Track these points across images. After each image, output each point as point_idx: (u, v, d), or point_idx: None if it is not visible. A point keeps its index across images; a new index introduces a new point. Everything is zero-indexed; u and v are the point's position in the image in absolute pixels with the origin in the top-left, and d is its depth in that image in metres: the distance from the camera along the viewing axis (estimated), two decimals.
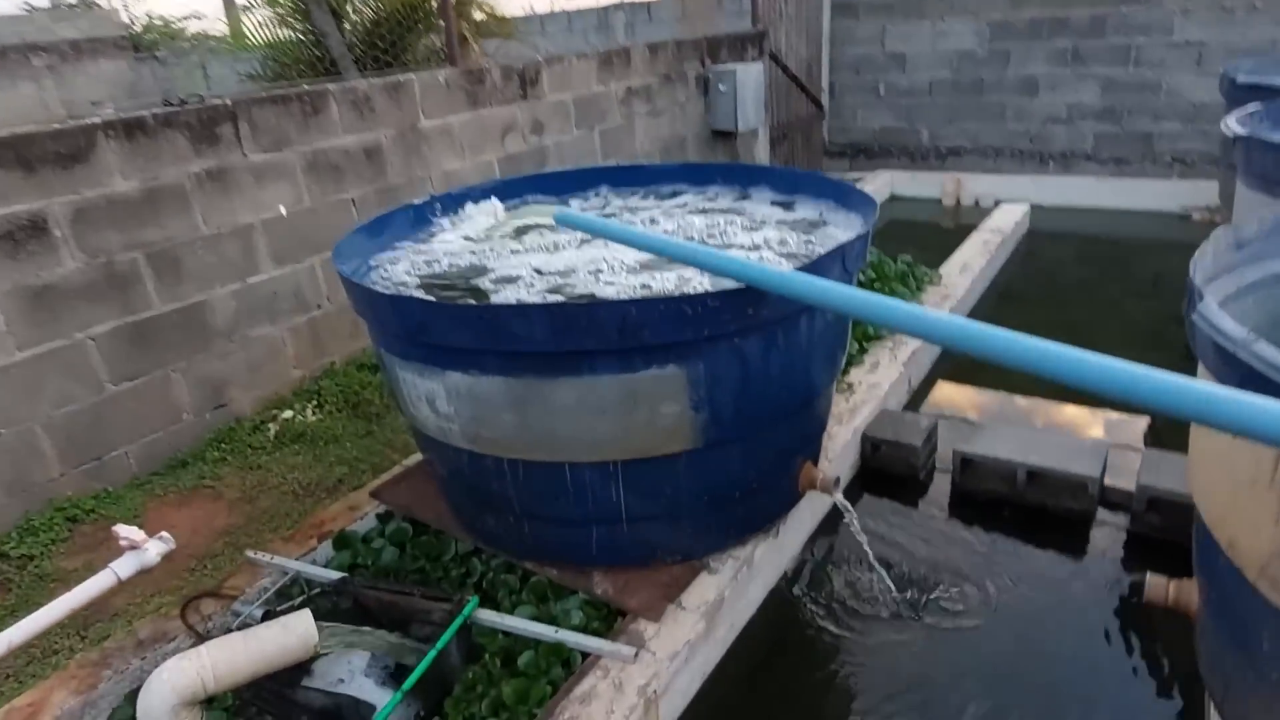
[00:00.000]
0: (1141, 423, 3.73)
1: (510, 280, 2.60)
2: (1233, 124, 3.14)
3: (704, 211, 3.18)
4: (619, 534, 2.49)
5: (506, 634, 2.43)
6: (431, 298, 2.34)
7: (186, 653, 2.03)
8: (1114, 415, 3.80)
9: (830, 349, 2.57)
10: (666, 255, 2.35)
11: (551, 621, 2.51)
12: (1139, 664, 2.47)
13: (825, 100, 8.90)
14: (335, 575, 2.68)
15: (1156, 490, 2.86)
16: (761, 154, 7.90)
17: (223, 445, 3.75)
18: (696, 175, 3.55)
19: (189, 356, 3.63)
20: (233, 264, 3.73)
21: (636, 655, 2.25)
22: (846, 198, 2.94)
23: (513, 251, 2.87)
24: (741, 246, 2.67)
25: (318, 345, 4.20)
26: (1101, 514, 3.08)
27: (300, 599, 2.53)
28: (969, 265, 5.14)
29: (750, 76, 6.90)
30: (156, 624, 2.60)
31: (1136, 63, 7.40)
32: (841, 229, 2.79)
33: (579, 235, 2.86)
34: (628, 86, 6.04)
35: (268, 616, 2.46)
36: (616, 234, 2.52)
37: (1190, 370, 1.54)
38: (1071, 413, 3.87)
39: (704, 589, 2.51)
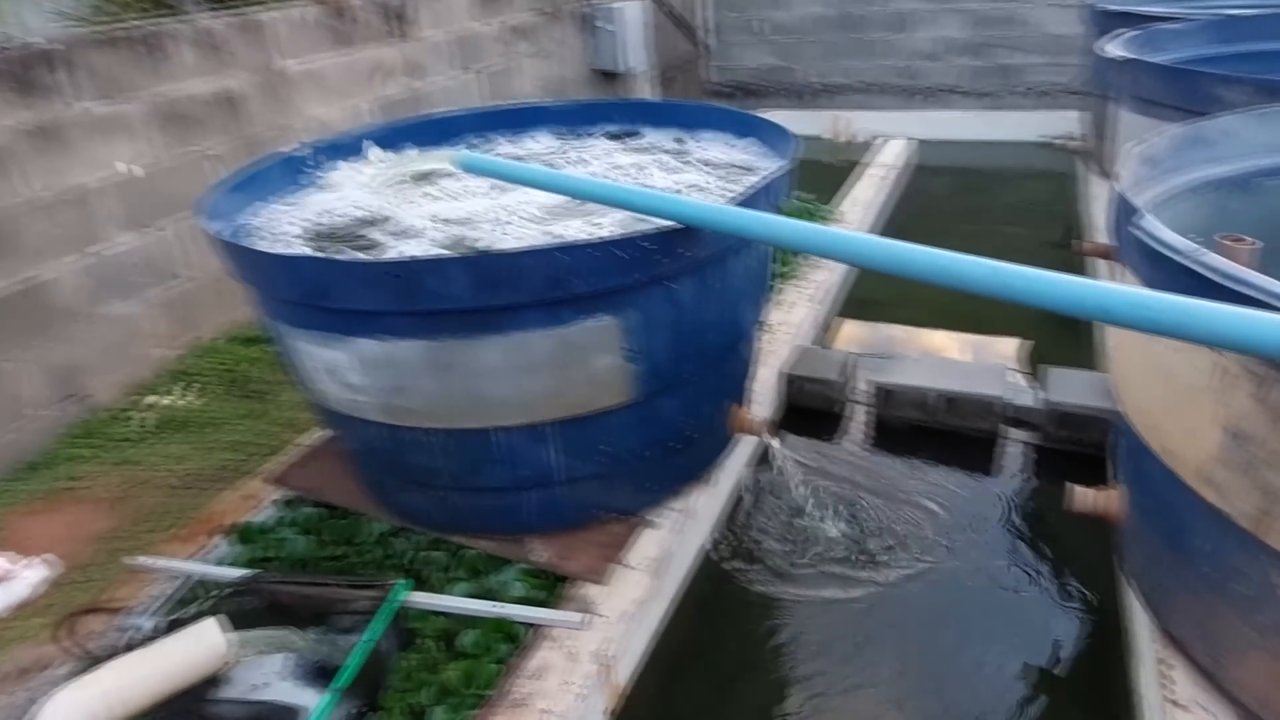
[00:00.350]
0: (1011, 343, 3.95)
1: (409, 233, 2.36)
2: (1114, 49, 3.25)
3: (622, 147, 3.01)
4: (555, 498, 2.36)
5: (443, 615, 2.27)
6: (330, 255, 2.08)
7: (81, 679, 1.76)
8: (983, 338, 4.01)
9: (756, 288, 2.50)
10: (587, 197, 2.18)
11: (489, 596, 2.36)
12: (1054, 569, 2.61)
13: (707, 39, 8.77)
14: (240, 572, 2.41)
15: (1064, 407, 3.01)
16: (647, 94, 7.71)
17: (83, 440, 3.31)
18: (611, 113, 3.35)
19: (29, 342, 3.15)
20: (72, 233, 3.24)
21: (586, 621, 2.15)
22: (766, 133, 2.84)
23: (409, 201, 2.60)
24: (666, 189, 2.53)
25: (184, 320, 3.76)
26: (1012, 432, 3.21)
27: (203, 603, 2.26)
28: (863, 201, 5.22)
29: (632, 14, 6.66)
30: (38, 649, 2.26)
31: None
32: (763, 164, 2.70)
33: (486, 181, 2.63)
34: (508, 25, 5.68)
35: (171, 628, 2.19)
36: (529, 177, 2.32)
37: None
38: (942, 339, 4.04)
39: (647, 545, 2.43)
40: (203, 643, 1.91)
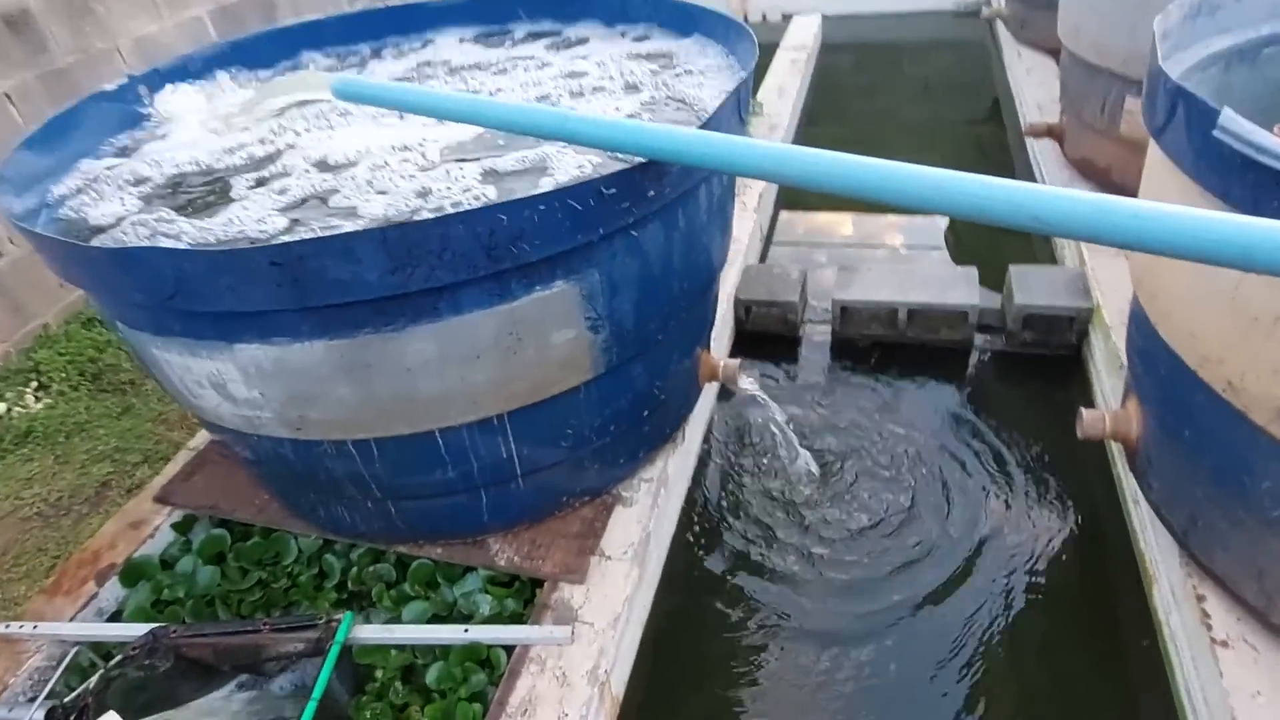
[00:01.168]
0: (941, 223, 3.83)
1: (272, 187, 1.84)
2: None
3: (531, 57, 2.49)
4: (514, 492, 2.01)
5: (401, 648, 1.93)
6: (187, 244, 1.56)
7: None
8: (916, 220, 3.88)
9: (724, 218, 2.13)
10: (506, 127, 1.70)
11: (453, 615, 2.03)
12: (1042, 484, 2.49)
13: None
14: (139, 630, 1.96)
15: (1031, 309, 2.83)
16: None
17: None
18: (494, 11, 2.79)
19: None
20: None
21: (573, 634, 1.86)
22: (709, 27, 2.39)
23: (271, 144, 2.05)
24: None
25: (14, 308, 3.08)
26: (977, 339, 3.04)
27: (94, 681, 1.83)
28: (785, 89, 4.82)
29: None
30: None
31: None
32: (709, 67, 2.27)
33: (372, 111, 2.10)
34: None
35: (59, 718, 1.76)
36: (426, 104, 1.81)
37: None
38: (882, 222, 3.92)
39: (625, 527, 2.13)
40: None
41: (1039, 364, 2.93)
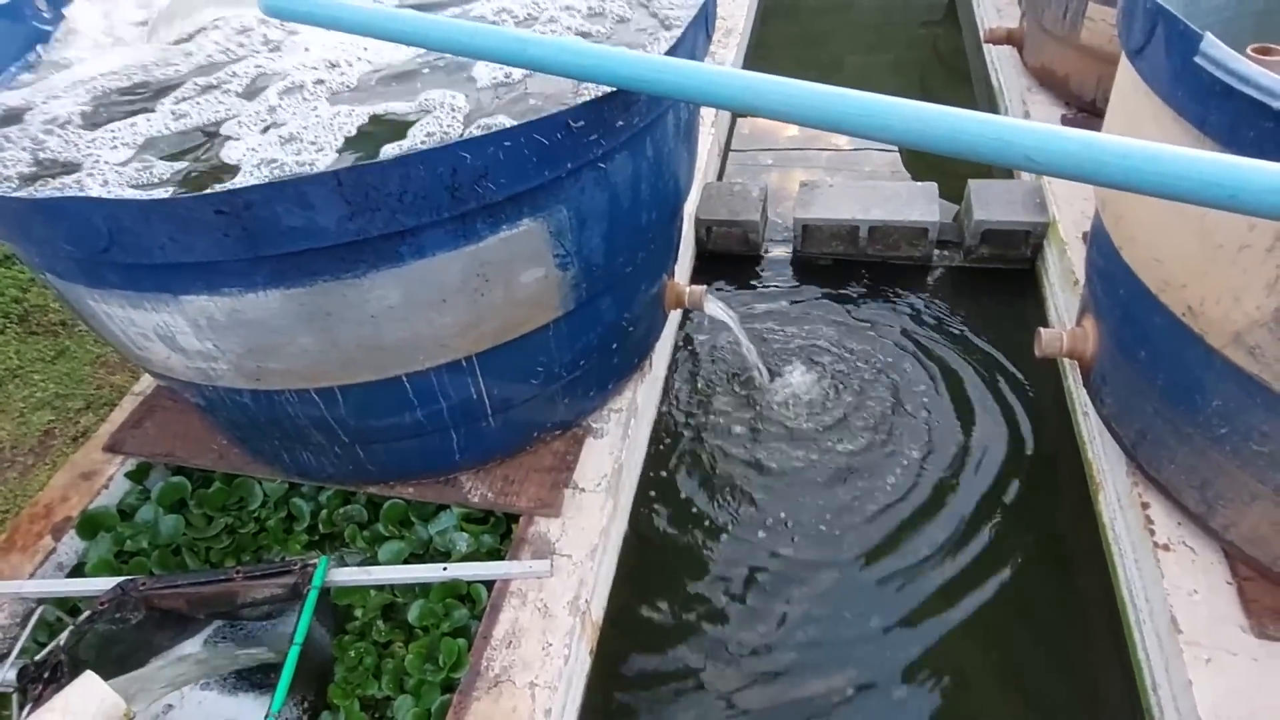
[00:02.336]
0: None
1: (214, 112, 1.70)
2: None
3: None
4: (484, 430, 1.99)
5: (380, 588, 1.93)
6: (124, 195, 1.43)
7: None
8: None
9: (692, 141, 2.06)
10: (456, 51, 1.58)
11: (430, 552, 2.04)
12: (999, 394, 2.58)
13: None
14: (105, 584, 1.92)
15: (989, 224, 2.86)
16: None
17: None
18: None
19: None
20: None
21: (552, 567, 1.89)
22: None
23: (189, 64, 1.88)
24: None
25: None
26: (935, 254, 3.06)
27: (65, 637, 1.80)
28: None
29: None
30: None
31: None
32: None
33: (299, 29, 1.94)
34: None
35: (29, 678, 1.73)
36: (364, 22, 1.66)
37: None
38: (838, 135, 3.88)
39: (598, 459, 2.14)
40: (86, 713, 1.49)
41: (995, 277, 2.98)
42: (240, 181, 1.52)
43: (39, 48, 2.06)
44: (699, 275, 3.13)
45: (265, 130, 1.67)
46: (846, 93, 1.18)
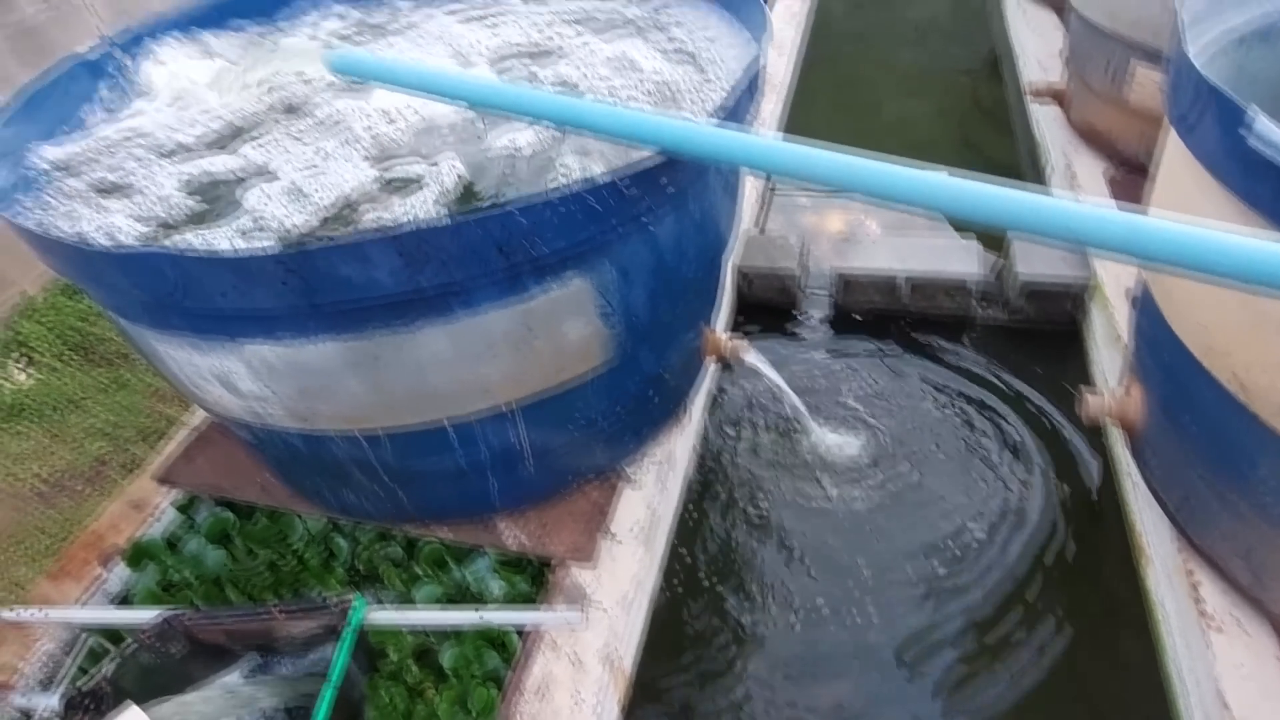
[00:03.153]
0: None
1: (266, 173, 1.78)
2: None
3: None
4: (522, 475, 2.01)
5: (414, 630, 1.95)
6: (197, 249, 1.51)
7: None
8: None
9: (735, 195, 2.10)
10: (515, 111, 1.64)
11: (464, 595, 2.06)
12: (1041, 457, 2.53)
13: None
14: (150, 613, 1.97)
15: (1036, 283, 2.84)
16: None
17: None
18: None
19: None
20: None
21: (585, 616, 1.89)
22: None
23: (274, 123, 1.98)
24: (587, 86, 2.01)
25: None
26: (979, 310, 3.05)
27: (109, 666, 1.84)
28: (782, 43, 4.69)
29: None
30: None
31: None
32: (709, 32, 2.19)
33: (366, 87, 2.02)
34: None
35: (75, 706, 1.78)
36: (428, 82, 1.74)
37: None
38: None
39: (632, 507, 2.15)
40: None
41: (1038, 333, 2.94)
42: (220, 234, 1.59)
43: (117, 97, 2.18)
44: (737, 324, 3.15)
45: (301, 172, 1.73)
46: (893, 166, 1.21)
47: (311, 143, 1.89)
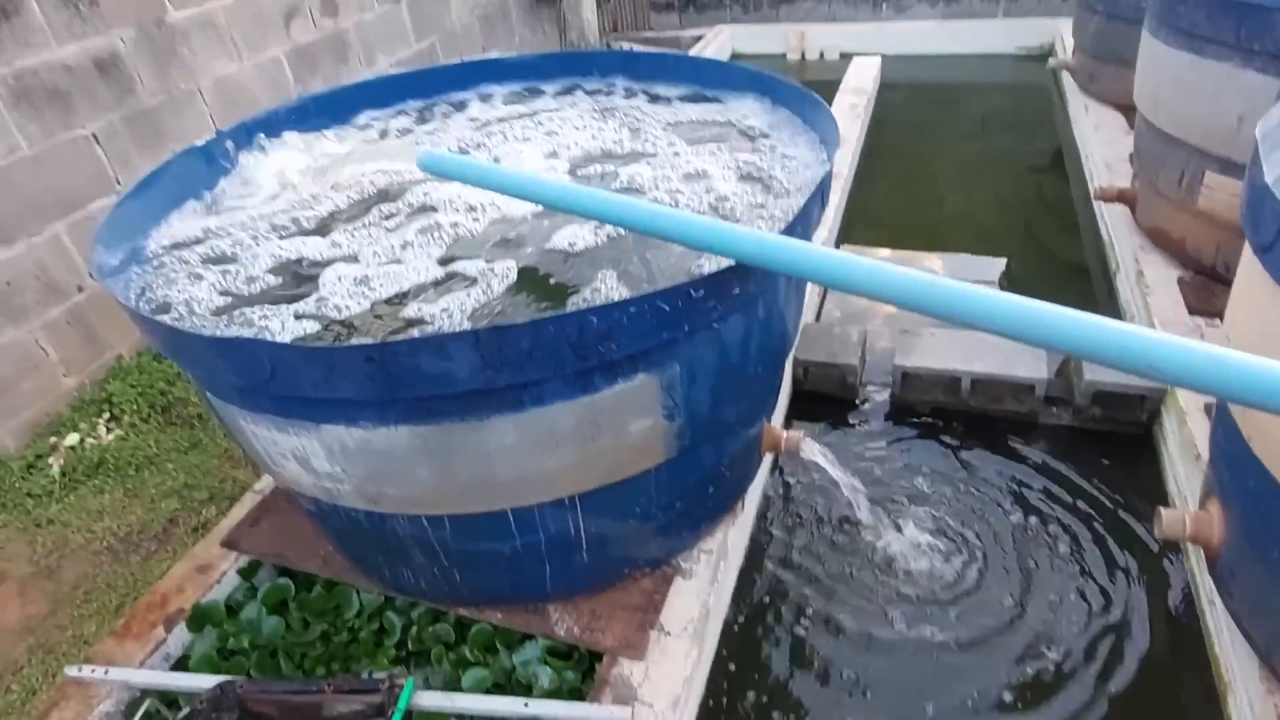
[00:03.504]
0: (999, 263, 3.91)
1: (354, 259, 1.89)
2: None
3: (602, 115, 2.52)
4: (577, 563, 2.02)
5: (461, 716, 1.94)
6: (285, 340, 1.60)
7: None
8: (973, 258, 3.97)
9: (801, 296, 2.13)
10: (592, 215, 1.72)
11: (511, 684, 2.04)
12: (1114, 567, 2.42)
13: None
14: (206, 681, 2.01)
15: (1104, 387, 2.77)
16: (589, 15, 6.99)
17: None
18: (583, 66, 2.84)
19: None
20: None
21: (633, 715, 1.85)
22: (776, 92, 2.40)
23: (361, 221, 2.10)
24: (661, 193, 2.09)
25: (91, 340, 3.19)
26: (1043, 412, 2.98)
27: None
28: (844, 137, 4.79)
29: None
30: None
31: None
32: (785, 140, 2.27)
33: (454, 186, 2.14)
34: None
35: None
36: (510, 184, 1.85)
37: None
38: (931, 260, 4.04)
39: (685, 602, 2.12)
40: None
41: (1107, 439, 2.86)
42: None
43: (222, 183, 2.35)
44: (794, 414, 3.14)
45: (379, 262, 1.83)
46: (961, 286, 1.23)
47: (398, 230, 2.00)
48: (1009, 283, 3.89)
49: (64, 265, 3.04)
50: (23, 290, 2.91)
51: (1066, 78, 5.43)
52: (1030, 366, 2.89)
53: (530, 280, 1.78)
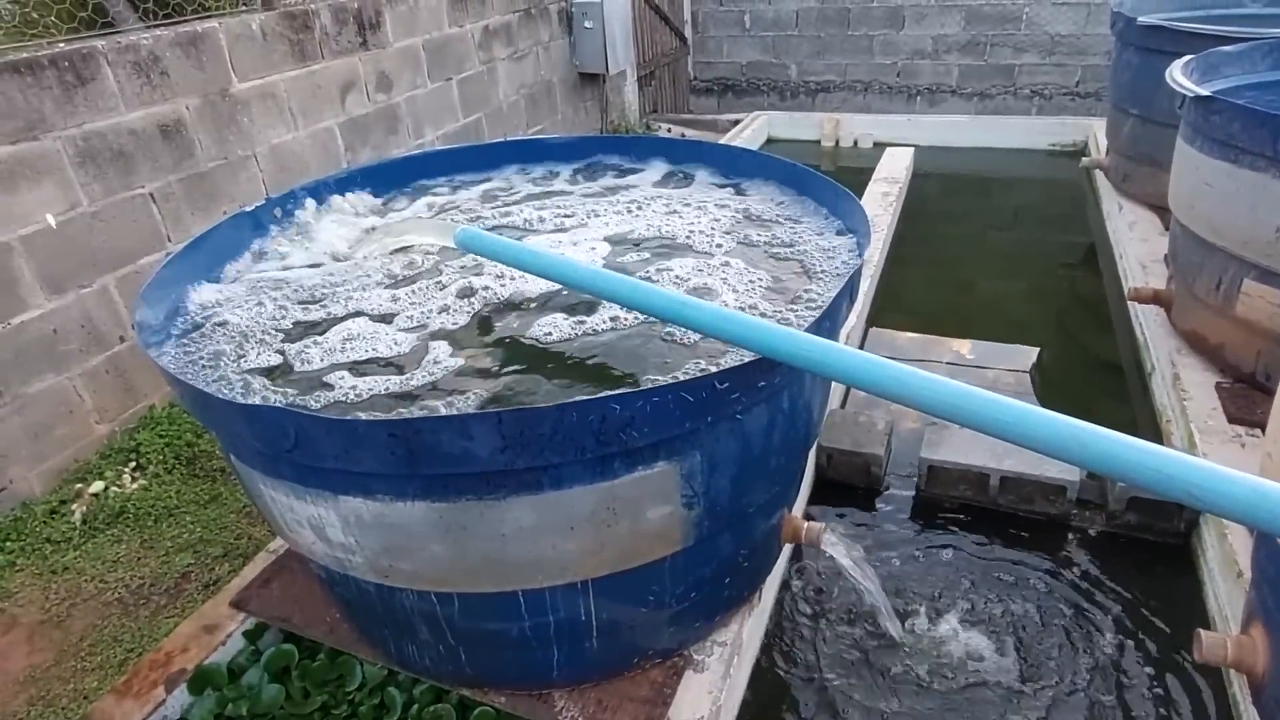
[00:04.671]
0: (1030, 352, 3.87)
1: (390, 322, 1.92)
2: (1186, 81, 2.92)
3: (636, 206, 2.57)
4: (587, 649, 1.96)
5: None
6: (310, 410, 1.63)
7: None
8: (1004, 346, 3.96)
9: (827, 389, 2.11)
10: (621, 302, 1.75)
11: None
12: (1137, 684, 2.30)
13: (689, 33, 8.30)
14: None
15: (1136, 490, 2.69)
16: (630, 96, 7.25)
17: (9, 542, 2.82)
18: (624, 148, 2.92)
19: None
20: None
21: None
22: (809, 185, 2.44)
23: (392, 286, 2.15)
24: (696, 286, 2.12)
25: (126, 389, 3.25)
26: (1076, 515, 2.89)
27: None
28: (876, 224, 4.85)
29: (617, 8, 6.17)
30: None
31: None
32: (811, 229, 2.30)
33: (484, 263, 2.19)
34: (485, 26, 5.16)
35: None
36: (543, 267, 1.89)
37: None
38: (959, 347, 4.10)
39: (696, 697, 2.04)
40: None
41: (1142, 547, 2.75)
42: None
43: (267, 246, 2.43)
44: (815, 502, 3.08)
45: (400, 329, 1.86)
46: (993, 397, 1.21)
47: (433, 299, 2.04)
48: (1040, 374, 3.84)
49: (109, 316, 3.13)
50: (68, 338, 3.00)
51: (1099, 175, 5.47)
52: (1062, 467, 2.82)
53: (556, 360, 1.80)
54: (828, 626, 2.56)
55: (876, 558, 2.79)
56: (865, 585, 2.34)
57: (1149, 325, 3.63)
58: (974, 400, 1.22)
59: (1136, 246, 4.27)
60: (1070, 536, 2.84)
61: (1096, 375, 4.00)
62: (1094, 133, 6.40)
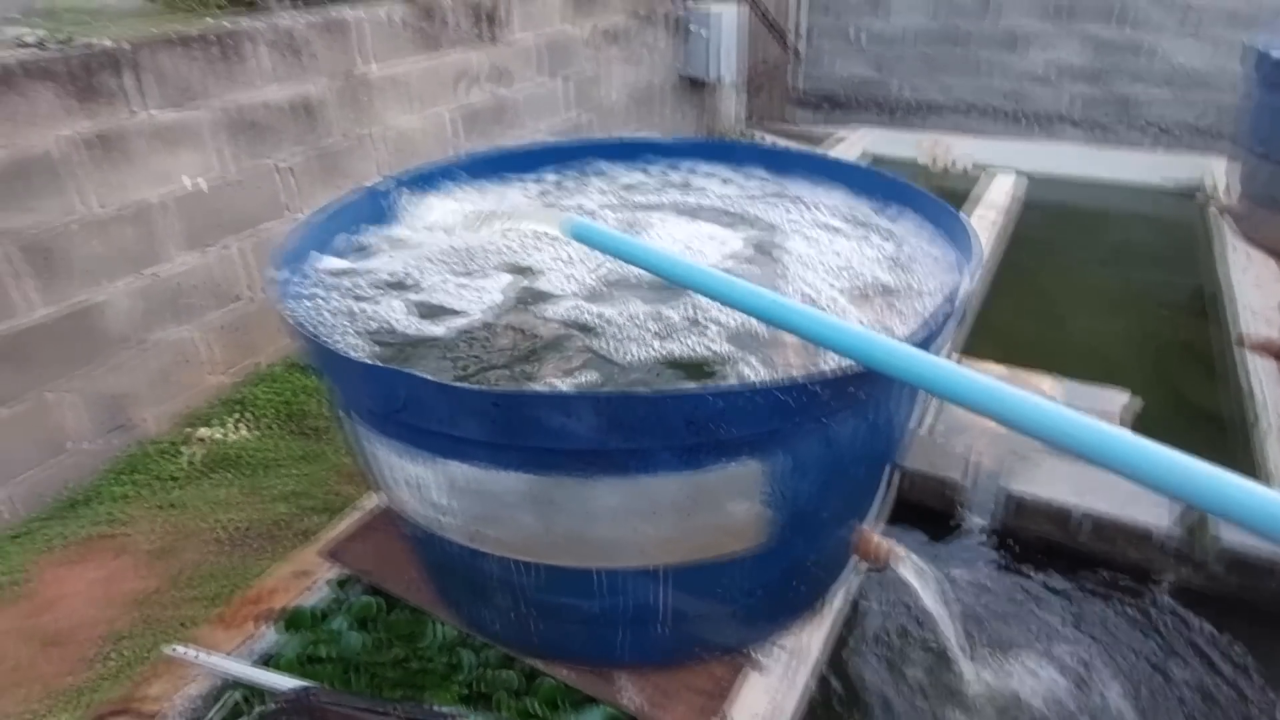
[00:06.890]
0: (1120, 397, 3.64)
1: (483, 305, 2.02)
2: None
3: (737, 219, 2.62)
4: (654, 634, 2.02)
5: None
6: (426, 375, 1.74)
7: None
8: (1089, 387, 3.72)
9: (916, 400, 2.11)
10: (725, 301, 1.79)
11: None
12: None
13: (798, 45, 8.28)
14: (291, 683, 2.11)
15: (1240, 552, 2.56)
16: (733, 104, 7.28)
17: (128, 476, 3.07)
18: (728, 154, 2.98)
19: (74, 371, 2.90)
20: (130, 253, 2.98)
21: None
22: (922, 205, 2.44)
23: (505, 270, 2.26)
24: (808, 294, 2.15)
25: (243, 344, 3.49)
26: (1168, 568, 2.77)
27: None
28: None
29: (729, 20, 6.22)
30: None
31: (1124, 21, 7.04)
32: (921, 249, 2.30)
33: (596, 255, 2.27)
34: (600, 28, 5.29)
35: None
36: (650, 261, 1.95)
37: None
38: (1043, 382, 3.76)
39: (754, 697, 2.07)
40: None
41: (1241, 608, 2.59)
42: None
43: (386, 220, 2.58)
44: (891, 523, 3.05)
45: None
46: (1093, 422, 1.21)
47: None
48: (1131, 419, 3.68)
49: (232, 276, 3.37)
50: (193, 293, 3.24)
51: (1214, 215, 5.19)
52: (1152, 512, 2.71)
53: (662, 352, 1.86)
54: (894, 650, 2.54)
55: (949, 587, 2.74)
56: (936, 610, 2.31)
57: (1261, 376, 3.44)
58: (1074, 425, 1.22)
59: (1251, 293, 4.06)
60: (1160, 589, 2.72)
61: (1193, 424, 3.80)
62: (1212, 171, 6.08)
